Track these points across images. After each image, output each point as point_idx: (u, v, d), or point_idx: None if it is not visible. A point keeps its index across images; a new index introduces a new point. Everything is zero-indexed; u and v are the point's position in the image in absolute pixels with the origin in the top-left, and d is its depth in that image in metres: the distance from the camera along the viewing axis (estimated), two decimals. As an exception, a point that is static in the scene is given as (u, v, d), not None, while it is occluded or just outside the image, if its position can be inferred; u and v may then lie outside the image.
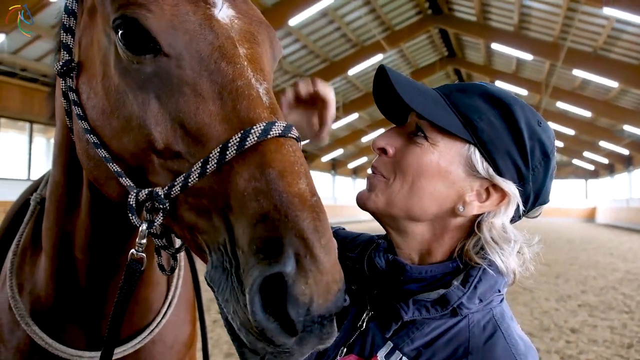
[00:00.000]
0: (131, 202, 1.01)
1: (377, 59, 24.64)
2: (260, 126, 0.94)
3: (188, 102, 1.00)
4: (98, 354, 1.61)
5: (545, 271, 12.21)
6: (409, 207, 1.06)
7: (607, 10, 15.35)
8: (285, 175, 0.90)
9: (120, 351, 1.65)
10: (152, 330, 1.75)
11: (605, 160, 40.59)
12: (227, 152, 0.91)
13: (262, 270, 0.83)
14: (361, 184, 52.16)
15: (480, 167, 1.02)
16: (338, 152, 41.06)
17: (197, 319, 2.15)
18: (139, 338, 1.70)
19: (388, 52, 23.94)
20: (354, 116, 32.48)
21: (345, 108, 30.21)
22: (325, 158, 40.70)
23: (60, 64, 1.19)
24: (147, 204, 1.00)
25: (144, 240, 1.05)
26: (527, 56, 22.42)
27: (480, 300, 1.02)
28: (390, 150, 1.10)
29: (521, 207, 1.05)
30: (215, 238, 0.93)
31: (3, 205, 12.49)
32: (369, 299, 1.15)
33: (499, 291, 1.06)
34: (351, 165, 47.07)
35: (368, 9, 21.42)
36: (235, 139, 0.92)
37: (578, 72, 21.67)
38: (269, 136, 0.93)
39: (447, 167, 1.03)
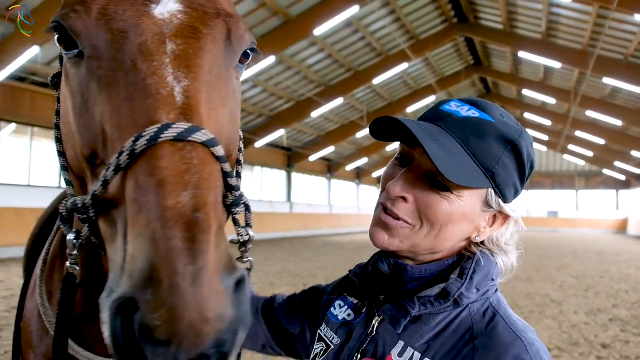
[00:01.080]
0: (62, 211, 1.00)
1: (401, 67, 24.65)
2: (153, 129, 0.86)
3: (106, 104, 0.96)
4: None
5: (574, 284, 11.92)
6: (434, 247, 1.14)
7: (639, 17, 15.03)
8: (165, 185, 0.81)
9: None
10: None
11: (637, 170, 39.55)
12: (120, 158, 0.86)
13: (120, 292, 0.75)
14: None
15: (494, 202, 1.13)
16: (362, 161, 40.99)
17: None
18: None
19: (413, 60, 23.88)
20: (379, 125, 32.39)
21: (369, 117, 30.20)
22: (350, 167, 40.66)
23: (52, 75, 1.22)
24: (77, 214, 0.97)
25: (75, 252, 1.01)
26: (556, 64, 22.11)
27: (478, 290, 1.11)
28: (410, 198, 1.11)
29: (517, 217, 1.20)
30: (114, 255, 0.86)
31: (36, 212, 12.84)
32: (376, 306, 1.21)
33: (493, 280, 1.15)
34: (375, 174, 46.94)
35: (393, 19, 21.45)
36: (129, 144, 0.86)
37: (608, 80, 21.25)
38: (159, 140, 0.85)
39: (471, 211, 1.12)
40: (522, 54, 22.93)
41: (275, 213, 31.84)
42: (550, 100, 28.44)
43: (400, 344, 1.11)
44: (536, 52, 21.48)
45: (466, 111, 1.14)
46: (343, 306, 1.32)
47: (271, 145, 30.38)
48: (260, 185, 32.46)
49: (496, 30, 22.68)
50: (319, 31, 18.59)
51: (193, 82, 0.96)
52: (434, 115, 1.17)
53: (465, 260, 1.14)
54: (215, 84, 1.02)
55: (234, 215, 1.04)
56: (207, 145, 0.89)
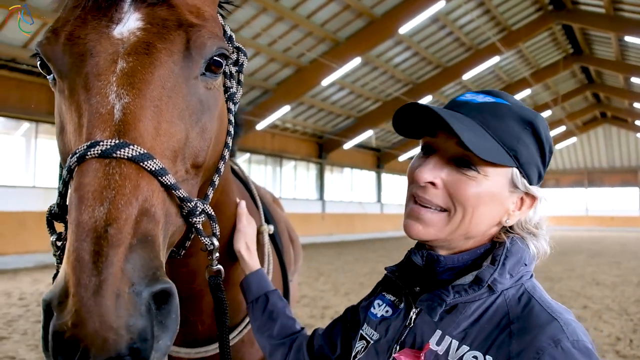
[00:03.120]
0: (47, 215, 1.09)
1: (493, 61, 23.74)
2: (83, 147, 0.93)
3: (68, 123, 1.06)
4: (191, 350, 1.80)
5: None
6: (469, 232, 1.16)
7: None
8: (83, 201, 0.88)
9: (212, 349, 1.82)
10: (241, 331, 1.89)
11: None
12: (65, 173, 0.96)
13: (43, 297, 0.86)
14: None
15: (520, 183, 1.15)
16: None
17: None
18: (234, 332, 1.84)
19: (505, 53, 22.89)
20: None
21: (460, 114, 29.37)
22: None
23: None
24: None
25: (58, 252, 1.07)
26: (668, 47, 20.12)
27: (511, 275, 1.11)
28: (439, 183, 1.14)
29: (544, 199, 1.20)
30: None
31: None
32: (412, 298, 1.23)
33: (526, 265, 1.15)
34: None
35: (482, 11, 20.72)
36: (69, 160, 0.95)
37: None
38: (87, 157, 0.92)
39: (498, 191, 1.14)
40: (628, 39, 21.12)
41: (366, 214, 31.89)
42: (664, 87, 25.93)
43: (438, 333, 1.12)
44: (645, 36, 19.70)
45: (482, 98, 1.18)
46: (381, 304, 1.35)
47: (360, 146, 30.51)
48: (350, 186, 32.70)
49: (597, 14, 21.09)
50: (404, 29, 18.41)
51: (135, 98, 0.99)
52: (451, 107, 1.20)
53: (497, 247, 1.15)
54: (169, 97, 1.05)
55: (195, 225, 1.11)
56: (136, 160, 0.93)
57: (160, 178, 0.97)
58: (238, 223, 1.80)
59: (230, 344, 1.82)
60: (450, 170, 1.14)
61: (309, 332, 1.67)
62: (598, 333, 6.98)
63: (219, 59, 1.18)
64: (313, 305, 8.57)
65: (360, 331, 1.36)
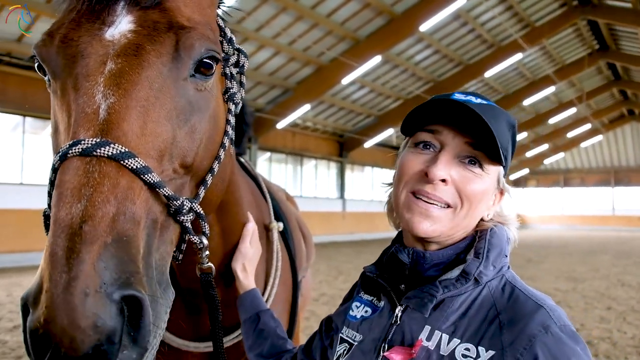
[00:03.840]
0: (43, 217, 1.10)
1: (516, 58, 23.39)
2: (66, 145, 0.95)
3: (59, 123, 1.09)
4: (200, 344, 1.84)
5: None
6: (468, 225, 1.21)
7: None
8: (61, 198, 0.89)
9: (224, 341, 1.84)
10: None
11: None
12: (50, 174, 0.99)
13: (23, 294, 0.88)
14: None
15: (502, 181, 1.24)
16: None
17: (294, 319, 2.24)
18: (237, 332, 1.88)
19: (527, 50, 22.56)
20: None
21: (482, 112, 29.05)
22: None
23: None
24: None
25: None
26: (698, 42, 19.58)
27: (494, 267, 1.16)
28: (449, 180, 1.16)
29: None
30: None
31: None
32: (396, 296, 1.24)
33: (506, 256, 1.20)
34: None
35: (504, 7, 20.46)
36: (53, 159, 0.98)
37: None
38: (68, 155, 0.94)
39: (492, 188, 1.22)
40: (656, 34, 20.64)
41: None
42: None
43: (427, 328, 1.14)
44: (673, 30, 19.21)
45: (475, 99, 1.20)
46: (359, 306, 1.37)
47: (381, 144, 30.40)
48: (371, 185, 32.62)
49: (624, 9, 20.63)
50: (424, 27, 18.27)
51: (120, 98, 1.00)
52: (450, 106, 1.17)
53: (477, 241, 1.20)
54: (157, 97, 1.07)
55: (183, 224, 1.12)
56: (116, 158, 0.94)
57: (142, 176, 0.98)
58: (241, 244, 1.81)
59: (240, 338, 1.87)
60: (458, 168, 1.17)
61: None
62: (622, 335, 6.87)
63: (208, 60, 1.19)
64: (332, 304, 8.63)
65: (340, 334, 1.36)
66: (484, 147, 1.15)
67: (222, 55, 1.40)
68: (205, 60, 1.17)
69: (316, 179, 28.68)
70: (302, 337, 7.06)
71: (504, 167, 1.21)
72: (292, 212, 2.69)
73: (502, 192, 1.26)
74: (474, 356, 1.04)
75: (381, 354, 1.18)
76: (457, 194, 1.16)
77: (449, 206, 1.17)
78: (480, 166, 1.17)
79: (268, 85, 21.09)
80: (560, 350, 0.98)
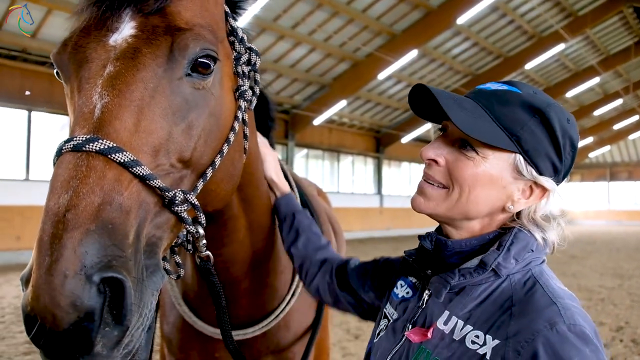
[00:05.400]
0: None
1: (558, 49, 22.73)
2: (61, 142, 1.02)
3: (69, 123, 1.17)
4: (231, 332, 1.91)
5: None
6: (467, 212, 1.20)
7: None
8: (52, 189, 0.96)
9: (250, 331, 1.94)
10: (277, 316, 1.99)
11: None
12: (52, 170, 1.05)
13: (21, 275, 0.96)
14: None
15: (525, 171, 1.16)
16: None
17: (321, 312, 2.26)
18: (265, 321, 1.96)
19: (570, 40, 21.87)
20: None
21: (523, 105, 28.34)
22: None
23: None
24: None
25: None
26: None
27: (516, 260, 1.14)
28: (441, 161, 1.20)
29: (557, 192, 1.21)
30: None
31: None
32: (425, 281, 1.29)
33: (532, 250, 1.17)
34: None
35: (545, -3, 19.91)
36: (53, 155, 1.05)
37: None
38: (63, 151, 1.01)
39: (498, 175, 1.17)
40: None
41: (424, 208, 31.38)
42: None
43: (446, 313, 1.18)
44: None
45: (496, 86, 1.22)
46: (404, 285, 1.42)
47: (418, 140, 30.13)
48: (409, 180, 32.38)
49: (673, -5, 19.76)
50: (462, 19, 18.00)
51: (114, 98, 1.07)
52: (468, 94, 1.25)
53: (505, 234, 1.19)
54: (152, 96, 1.13)
55: (179, 214, 1.16)
56: (104, 153, 1.00)
57: (131, 169, 1.03)
58: (264, 155, 1.96)
59: (267, 328, 1.95)
60: (453, 150, 1.20)
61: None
62: (670, 333, 6.64)
63: (205, 60, 1.22)
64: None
65: (384, 310, 1.43)
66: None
67: (234, 54, 1.49)
68: (201, 59, 1.21)
69: (353, 175, 28.66)
70: (338, 332, 7.13)
71: (524, 154, 1.14)
72: (321, 207, 2.74)
73: (542, 188, 1.17)
74: (481, 343, 1.07)
75: (405, 332, 1.25)
76: (448, 175, 1.20)
77: (444, 187, 1.21)
78: (474, 150, 1.16)
79: (304, 82, 21.22)
80: (563, 349, 0.96)
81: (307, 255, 1.84)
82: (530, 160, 1.15)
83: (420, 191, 1.25)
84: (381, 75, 20.53)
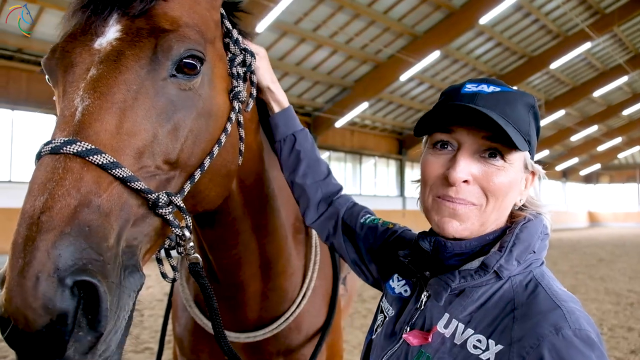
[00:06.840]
0: None
1: (584, 47, 22.24)
2: (41, 145, 1.03)
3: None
4: (241, 334, 1.94)
5: None
6: (499, 218, 1.19)
7: None
8: (29, 192, 0.96)
9: (260, 334, 1.94)
10: (287, 318, 1.97)
11: None
12: None
13: None
14: (572, 188, 47.14)
15: (529, 164, 1.21)
16: (543, 154, 37.94)
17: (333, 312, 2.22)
18: (275, 324, 1.95)
19: (596, 39, 21.41)
20: (560, 113, 29.74)
21: (548, 106, 27.87)
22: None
23: None
24: None
25: None
26: None
27: (518, 262, 1.13)
28: (471, 180, 1.14)
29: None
30: None
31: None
32: (423, 282, 1.26)
33: (534, 252, 1.16)
34: (560, 167, 42.95)
35: (570, -5, 19.54)
36: (35, 159, 1.06)
37: None
38: (42, 153, 1.01)
39: (520, 176, 1.20)
40: None
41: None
42: None
43: (446, 316, 1.15)
44: None
45: (487, 88, 1.18)
46: (400, 280, 1.39)
47: (441, 141, 29.78)
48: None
49: None
50: (485, 19, 17.77)
51: (95, 100, 1.07)
52: (460, 99, 1.18)
53: (506, 234, 1.17)
54: (135, 98, 1.12)
55: (164, 217, 1.14)
56: (81, 155, 0.99)
57: (110, 171, 1.01)
58: (259, 61, 1.69)
59: (277, 331, 1.94)
60: (478, 164, 1.15)
61: None
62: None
63: (190, 60, 1.22)
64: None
65: (381, 303, 1.42)
66: (501, 138, 1.11)
67: (229, 55, 1.48)
68: (186, 60, 1.21)
69: (375, 177, 28.58)
70: (359, 335, 7.07)
71: (529, 150, 1.18)
72: None
73: (533, 174, 1.23)
74: (484, 348, 1.04)
75: (402, 335, 1.22)
76: (481, 192, 1.14)
77: (474, 205, 1.15)
78: (502, 157, 1.14)
79: (326, 85, 21.25)
80: (568, 354, 0.94)
81: (306, 190, 1.76)
82: (531, 153, 1.20)
83: (454, 214, 1.15)
84: (403, 77, 20.42)
